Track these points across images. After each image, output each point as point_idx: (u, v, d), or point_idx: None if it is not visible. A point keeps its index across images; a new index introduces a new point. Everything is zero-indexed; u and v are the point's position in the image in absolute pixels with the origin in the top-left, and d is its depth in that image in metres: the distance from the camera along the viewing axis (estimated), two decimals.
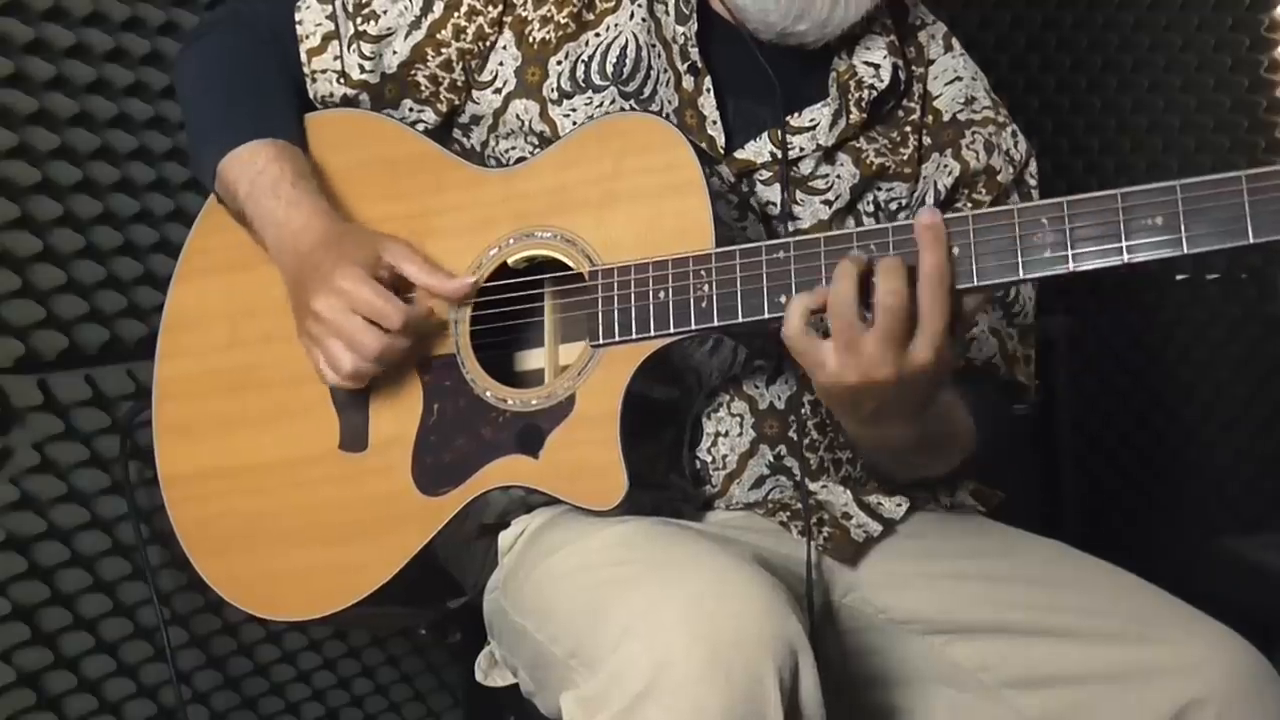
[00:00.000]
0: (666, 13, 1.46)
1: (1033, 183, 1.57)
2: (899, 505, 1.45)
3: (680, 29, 1.45)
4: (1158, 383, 3.14)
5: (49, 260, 1.76)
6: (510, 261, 1.38)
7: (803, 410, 1.42)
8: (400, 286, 1.36)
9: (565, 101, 1.43)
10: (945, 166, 1.50)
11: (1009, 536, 1.48)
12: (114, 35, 1.86)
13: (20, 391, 1.72)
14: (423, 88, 1.48)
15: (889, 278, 1.16)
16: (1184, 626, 1.30)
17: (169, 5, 1.95)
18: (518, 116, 1.45)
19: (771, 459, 1.42)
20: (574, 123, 1.42)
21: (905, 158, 1.49)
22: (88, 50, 1.83)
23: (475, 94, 1.47)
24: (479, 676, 1.46)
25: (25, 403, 1.73)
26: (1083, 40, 3.15)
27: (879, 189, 1.48)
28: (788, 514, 1.40)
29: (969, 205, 1.51)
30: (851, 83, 1.46)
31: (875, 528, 1.42)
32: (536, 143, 1.44)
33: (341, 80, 1.49)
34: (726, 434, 1.41)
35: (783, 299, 1.23)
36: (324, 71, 1.50)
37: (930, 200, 1.50)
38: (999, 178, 1.52)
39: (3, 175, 1.71)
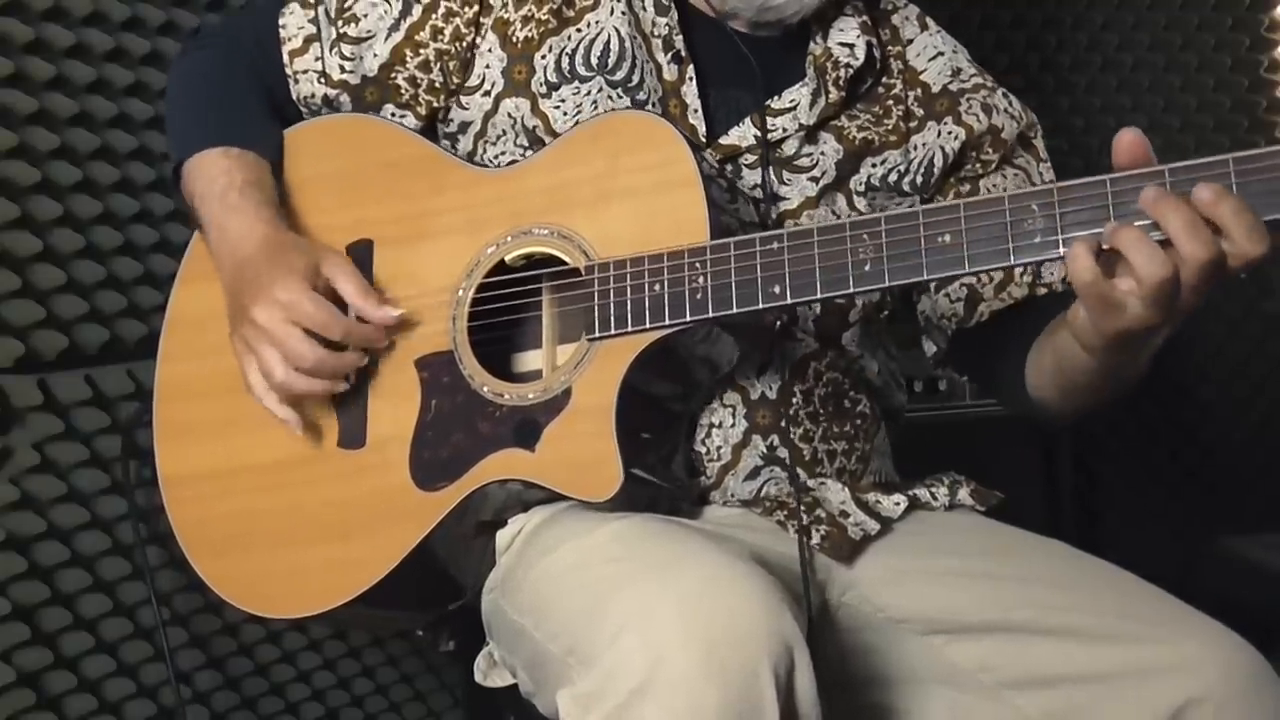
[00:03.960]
0: (644, 8, 1.48)
1: (1039, 144, 1.59)
2: (897, 504, 1.46)
3: (661, 20, 1.47)
4: (1157, 382, 3.13)
5: (49, 260, 1.76)
6: (508, 259, 1.38)
7: (794, 400, 1.43)
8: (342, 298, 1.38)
9: (554, 93, 1.45)
10: (950, 133, 1.52)
11: (1008, 536, 1.47)
12: (114, 35, 1.87)
13: (20, 391, 1.72)
14: (403, 90, 1.50)
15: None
16: (1182, 626, 1.29)
17: (169, 5, 1.96)
18: (509, 115, 1.46)
19: (765, 449, 1.42)
20: (564, 114, 1.44)
21: (890, 127, 1.51)
22: (88, 50, 1.83)
23: (464, 99, 1.49)
24: (478, 677, 1.46)
25: (25, 403, 1.73)
26: (1082, 40, 3.15)
27: (872, 165, 1.50)
28: (785, 512, 1.40)
29: (978, 167, 1.54)
30: (828, 63, 1.49)
31: (873, 526, 1.42)
32: (527, 142, 1.46)
33: (322, 80, 1.51)
34: (720, 425, 1.41)
35: (775, 289, 1.24)
36: (305, 72, 1.52)
37: (939, 164, 1.51)
38: (1004, 135, 1.54)
39: (3, 175, 1.71)
